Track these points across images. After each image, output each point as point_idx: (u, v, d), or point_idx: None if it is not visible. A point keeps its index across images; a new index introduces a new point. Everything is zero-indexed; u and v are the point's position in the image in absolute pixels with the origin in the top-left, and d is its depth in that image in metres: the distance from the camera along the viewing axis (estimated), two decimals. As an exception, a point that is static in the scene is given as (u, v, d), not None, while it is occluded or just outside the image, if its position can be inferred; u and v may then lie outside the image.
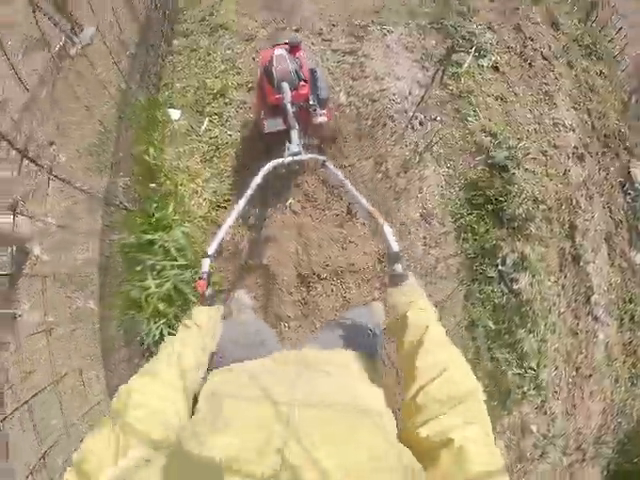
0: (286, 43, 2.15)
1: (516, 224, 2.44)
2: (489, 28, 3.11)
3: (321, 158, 1.77)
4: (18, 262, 2.73)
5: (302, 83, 2.08)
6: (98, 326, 2.53)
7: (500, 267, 2.41)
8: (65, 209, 2.75)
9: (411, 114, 2.45)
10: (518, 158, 2.49)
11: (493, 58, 2.92)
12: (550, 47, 3.43)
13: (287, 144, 1.94)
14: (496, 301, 2.42)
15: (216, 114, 2.69)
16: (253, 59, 2.81)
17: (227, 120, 2.66)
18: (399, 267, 1.01)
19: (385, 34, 2.83)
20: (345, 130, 2.48)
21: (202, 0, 3.15)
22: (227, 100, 2.71)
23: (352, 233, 2.31)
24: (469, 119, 2.61)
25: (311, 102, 2.13)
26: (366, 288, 2.25)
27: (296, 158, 1.81)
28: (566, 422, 2.71)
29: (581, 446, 2.75)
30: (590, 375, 2.80)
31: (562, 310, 2.72)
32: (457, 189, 2.46)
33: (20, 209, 2.71)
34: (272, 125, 2.12)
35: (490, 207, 2.41)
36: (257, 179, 1.54)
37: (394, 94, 2.55)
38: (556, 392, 2.67)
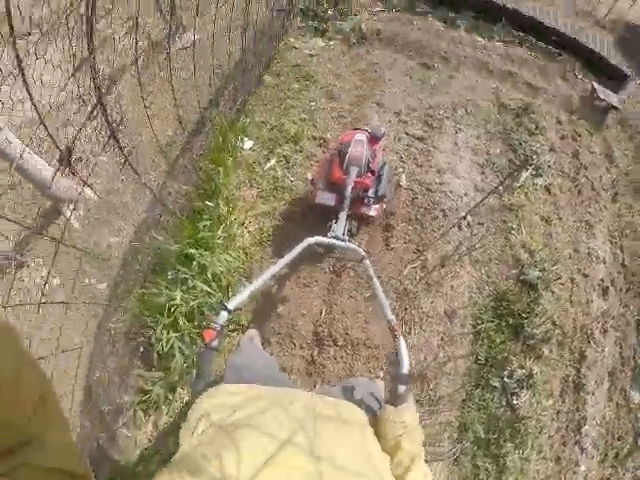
0: (368, 132, 2.15)
1: (531, 342, 2.42)
2: (551, 149, 3.17)
3: (361, 253, 1.70)
4: (46, 218, 2.58)
5: (369, 174, 2.08)
6: (102, 311, 2.39)
7: (505, 379, 2.38)
8: (113, 187, 2.69)
9: (462, 214, 2.49)
10: (549, 281, 2.50)
11: (548, 180, 2.97)
12: (601, 179, 3.46)
13: (333, 224, 1.90)
14: (493, 411, 2.37)
15: (284, 157, 2.74)
16: (332, 117, 2.91)
17: (293, 165, 2.72)
18: (402, 389, 0.97)
19: (457, 131, 2.91)
20: (397, 212, 2.53)
21: (299, 49, 3.28)
22: (298, 147, 2.78)
23: (378, 311, 2.32)
24: (512, 232, 2.64)
25: (370, 194, 2.13)
26: (374, 365, 2.23)
27: (337, 242, 1.75)
28: (528, 543, 2.60)
29: None
30: (561, 504, 2.70)
31: (552, 433, 2.65)
32: (485, 295, 2.47)
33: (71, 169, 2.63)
34: (324, 198, 2.12)
35: (512, 320, 2.40)
36: (292, 254, 1.46)
37: (451, 191, 2.61)
38: (524, 510, 2.58)
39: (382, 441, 0.86)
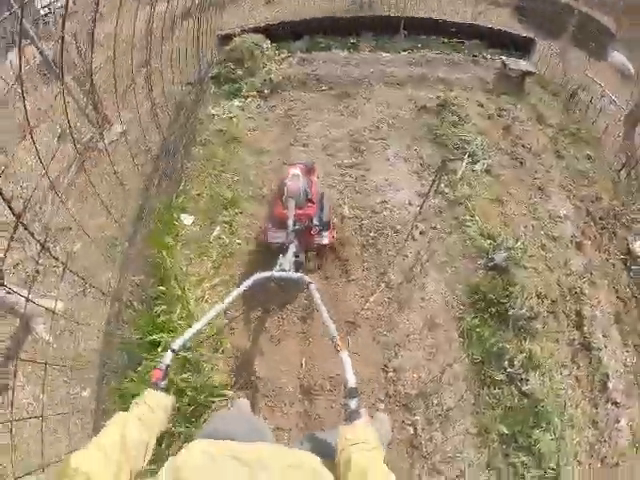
0: (301, 163, 2.20)
1: (521, 324, 2.28)
2: (480, 133, 3.13)
3: (307, 280, 1.65)
4: (20, 337, 2.54)
5: (309, 204, 2.08)
6: (93, 417, 2.29)
7: (508, 369, 2.23)
8: (74, 295, 2.63)
9: (411, 224, 2.41)
10: (517, 258, 2.38)
11: (486, 162, 2.91)
12: (538, 141, 3.40)
13: (280, 258, 1.88)
14: (507, 404, 2.21)
15: (227, 223, 2.66)
16: (263, 172, 2.88)
17: (237, 229, 2.64)
18: (354, 403, 0.94)
19: (385, 148, 2.88)
20: (349, 242, 2.45)
21: (218, 114, 3.28)
22: (237, 210, 2.70)
23: (356, 343, 2.21)
24: (467, 224, 2.55)
25: (315, 222, 2.12)
26: (371, 400, 2.09)
27: (283, 275, 1.73)
28: (597, 518, 2.36)
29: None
30: (617, 464, 2.47)
31: (579, 402, 2.46)
32: (460, 294, 2.35)
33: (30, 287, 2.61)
34: (274, 237, 2.12)
35: (493, 309, 2.27)
36: (238, 291, 1.47)
37: (394, 206, 2.54)
38: (580, 486, 2.34)
39: (340, 461, 0.84)
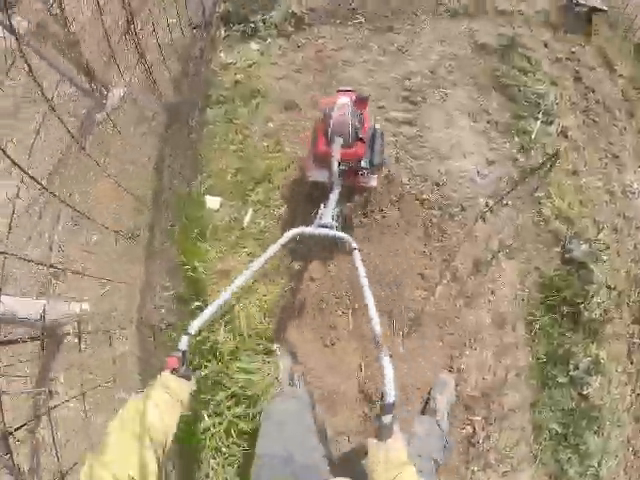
0: (352, 91, 1.72)
1: (592, 327, 1.94)
2: (552, 83, 2.49)
3: (352, 245, 1.35)
4: (54, 343, 2.28)
5: (359, 142, 1.64)
6: None
7: (572, 372, 1.94)
8: (102, 295, 2.27)
9: (482, 202, 1.92)
10: (598, 252, 1.96)
11: (561, 123, 2.32)
12: (610, 95, 2.79)
13: (321, 209, 1.56)
14: (565, 407, 1.97)
15: (260, 202, 2.12)
16: (295, 132, 2.24)
17: (274, 209, 2.11)
18: (388, 419, 0.84)
19: (444, 99, 2.24)
20: (409, 222, 1.95)
21: (234, 62, 2.53)
22: (272, 185, 2.14)
23: (420, 343, 1.85)
24: (542, 202, 2.07)
25: (363, 164, 1.69)
26: None
27: (323, 232, 1.41)
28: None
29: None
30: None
31: (627, 399, 2.25)
32: (531, 288, 1.97)
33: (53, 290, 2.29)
34: (316, 175, 1.75)
35: (566, 309, 1.92)
36: (272, 249, 1.26)
37: (462, 177, 2.01)
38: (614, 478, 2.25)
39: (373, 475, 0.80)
